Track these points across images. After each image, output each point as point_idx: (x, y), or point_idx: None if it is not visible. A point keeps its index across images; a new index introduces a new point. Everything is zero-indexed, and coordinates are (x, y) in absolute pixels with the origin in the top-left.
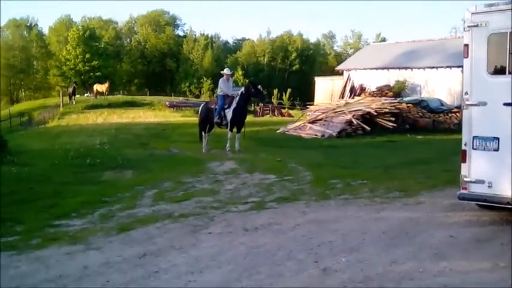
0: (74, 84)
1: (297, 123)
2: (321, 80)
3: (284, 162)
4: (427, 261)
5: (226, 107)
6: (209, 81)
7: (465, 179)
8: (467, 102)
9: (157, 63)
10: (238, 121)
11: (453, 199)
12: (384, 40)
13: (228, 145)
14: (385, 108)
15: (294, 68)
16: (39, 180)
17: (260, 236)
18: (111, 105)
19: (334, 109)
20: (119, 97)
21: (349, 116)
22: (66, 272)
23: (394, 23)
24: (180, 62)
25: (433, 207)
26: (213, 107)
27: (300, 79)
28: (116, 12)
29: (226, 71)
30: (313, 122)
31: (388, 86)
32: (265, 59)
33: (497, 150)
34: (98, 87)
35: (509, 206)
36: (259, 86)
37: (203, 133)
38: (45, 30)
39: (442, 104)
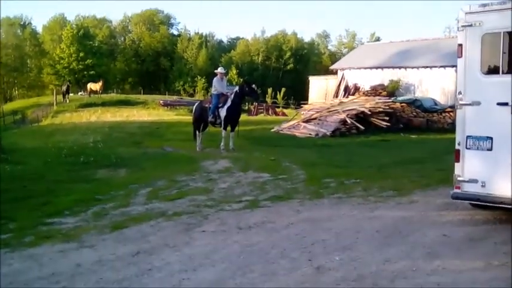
0: (68, 83)
1: (291, 122)
2: (315, 79)
3: (278, 161)
4: (420, 260)
5: (220, 105)
6: (203, 80)
7: (458, 178)
8: (461, 102)
9: (151, 62)
10: (232, 120)
11: (446, 198)
12: (378, 40)
13: (222, 144)
14: (379, 108)
15: (288, 67)
16: (32, 178)
17: (254, 235)
18: (104, 104)
19: (328, 108)
20: (113, 96)
21: (343, 115)
22: (59, 269)
23: (389, 23)
24: (174, 60)
25: (427, 206)
26: (207, 105)
27: (294, 78)
28: (110, 11)
29: (220, 69)
30: (307, 121)
31: (382, 85)
32: (260, 58)
33: (490, 149)
34: (91, 85)
35: (502, 206)
36: (254, 85)
37: (197, 132)
38: (39, 29)
39: (435, 104)
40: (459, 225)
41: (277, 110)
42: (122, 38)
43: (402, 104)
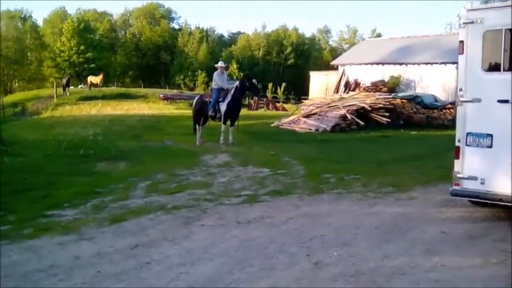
0: (69, 76)
1: (291, 118)
2: (315, 74)
3: (278, 156)
4: (419, 257)
5: (220, 100)
6: (204, 74)
7: (458, 175)
8: (461, 99)
9: (151, 56)
10: (232, 114)
11: (446, 195)
12: (379, 35)
13: (221, 138)
14: (380, 104)
15: (289, 62)
16: (32, 171)
17: (253, 229)
18: (105, 97)
19: (328, 104)
20: (113, 89)
21: (343, 111)
22: (58, 262)
23: (390, 19)
24: (175, 54)
25: (426, 203)
26: (207, 100)
27: (295, 73)
28: (111, 4)
29: (220, 63)
30: (307, 116)
31: (383, 81)
32: (260, 53)
33: (490, 147)
34: (92, 79)
35: (502, 203)
36: (254, 80)
37: (197, 126)
38: (40, 22)
39: (436, 100)
40: (458, 222)
41: (277, 104)
42: (123, 32)
43: (402, 100)
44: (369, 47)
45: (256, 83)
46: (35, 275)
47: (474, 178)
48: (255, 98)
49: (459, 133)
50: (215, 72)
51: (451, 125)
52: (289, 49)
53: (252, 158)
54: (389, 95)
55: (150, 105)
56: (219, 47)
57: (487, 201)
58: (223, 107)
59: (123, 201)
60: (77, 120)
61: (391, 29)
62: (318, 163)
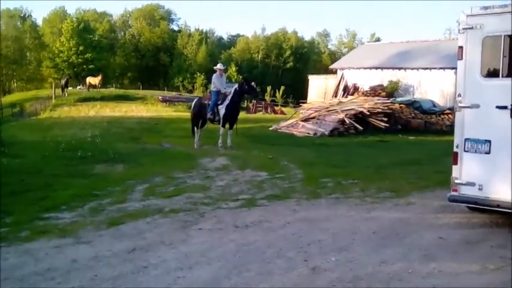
0: (68, 77)
1: (290, 121)
2: (314, 78)
3: (276, 159)
4: (416, 262)
5: (219, 103)
6: (202, 76)
7: (456, 181)
8: (460, 104)
9: (151, 57)
10: (231, 117)
11: (444, 201)
12: (378, 40)
13: (220, 141)
14: (378, 108)
15: (288, 65)
16: (30, 172)
17: (250, 233)
18: (103, 99)
19: (327, 108)
20: (112, 90)
21: (341, 115)
22: (55, 265)
23: (389, 23)
24: (174, 56)
25: (424, 208)
26: (206, 102)
27: (294, 77)
28: (110, 5)
29: (219, 66)
30: (305, 120)
31: (382, 86)
32: (260, 56)
33: (488, 153)
34: (90, 80)
35: (499, 209)
36: (253, 83)
37: (195, 128)
38: (39, 22)
39: (434, 105)
40: (456, 228)
41: (275, 108)
42: (122, 33)
43: (401, 105)
44: (368, 51)
45: (255, 86)
46: (32, 278)
47: (472, 184)
48: (254, 101)
49: (457, 139)
50: (214, 75)
51: (449, 130)
52: (288, 52)
53: (250, 162)
54: (387, 99)
55: (149, 107)
56: (218, 49)
57: (484, 207)
58: (222, 109)
59: (120, 204)
60: (75, 122)
61: (390, 31)
62: (316, 167)
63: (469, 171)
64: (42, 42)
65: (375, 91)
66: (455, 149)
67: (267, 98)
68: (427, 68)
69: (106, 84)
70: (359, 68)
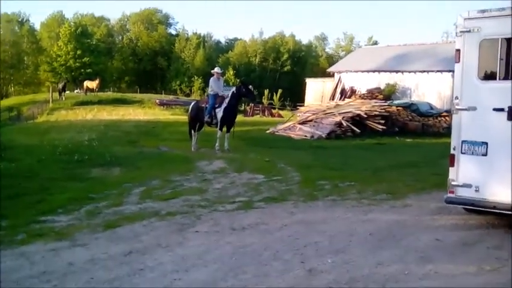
0: (65, 80)
1: (287, 124)
2: (312, 81)
3: (273, 162)
4: (412, 264)
5: (217, 106)
6: (200, 80)
7: (453, 183)
8: (457, 107)
9: (148, 61)
10: (228, 120)
11: (440, 202)
12: (375, 43)
13: (217, 144)
14: (375, 111)
15: (286, 69)
16: (26, 176)
17: (247, 236)
18: (101, 102)
19: (324, 110)
20: (109, 94)
21: (339, 118)
22: (51, 268)
23: (386, 26)
24: (172, 60)
25: (420, 210)
26: (203, 105)
27: (291, 80)
28: (108, 9)
29: (216, 69)
30: (303, 123)
31: (379, 88)
32: (257, 60)
33: (485, 155)
34: (88, 83)
35: (496, 211)
36: (250, 86)
37: (193, 132)
38: (37, 26)
39: (431, 108)
40: (452, 229)
41: (273, 111)
42: (120, 37)
43: (398, 108)
44: (365, 54)
45: (252, 89)
46: (28, 281)
47: (469, 186)
48: (251, 105)
49: (454, 141)
50: (211, 78)
51: (446, 132)
52: (285, 56)
53: (247, 164)
54: (385, 102)
55: (146, 110)
56: (215, 53)
57: (481, 208)
58: (219, 113)
59: (117, 207)
60: (72, 125)
61: (388, 34)
62: (313, 170)
63: (465, 173)
64: (39, 46)
65: (372, 94)
66: (452, 151)
67: (265, 101)
68: (424, 71)
69: (103, 88)
70: (356, 71)
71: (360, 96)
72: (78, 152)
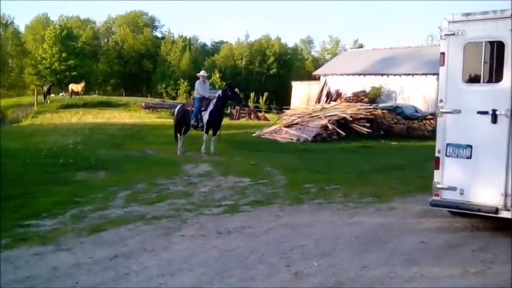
0: (50, 83)
1: (273, 127)
2: (297, 84)
3: (259, 165)
4: (398, 267)
5: (203, 109)
6: (186, 83)
7: (438, 186)
8: (441, 110)
9: (134, 64)
10: (214, 124)
11: (425, 205)
12: (361, 46)
13: (203, 147)
14: (361, 114)
15: (272, 72)
16: (10, 180)
17: (233, 239)
18: (86, 105)
19: (310, 114)
20: (95, 97)
21: (324, 121)
22: (35, 272)
23: (372, 30)
24: (157, 63)
25: (406, 213)
26: (189, 109)
27: (277, 83)
28: (94, 12)
29: (202, 72)
30: (289, 126)
31: (364, 92)
32: (243, 63)
33: (470, 157)
34: (73, 86)
35: (480, 213)
36: (236, 89)
37: (178, 135)
38: (22, 29)
39: (416, 111)
40: (437, 232)
41: (259, 114)
42: (106, 40)
43: (383, 111)
44: (351, 57)
45: (238, 92)
46: (12, 285)
47: (453, 188)
48: (237, 108)
49: (439, 144)
50: (197, 81)
51: (431, 135)
52: (271, 59)
53: (233, 168)
54: (370, 105)
55: (132, 113)
56: (201, 56)
57: (466, 211)
58: (205, 116)
59: (102, 211)
60: (57, 129)
61: (373, 37)
62: (299, 173)
63: (450, 176)
64: (24, 49)
65: (357, 97)
66: (437, 154)
67: (251, 104)
68: (409, 74)
69: (89, 91)
70: (342, 74)
71: (345, 100)
72: (63, 155)
